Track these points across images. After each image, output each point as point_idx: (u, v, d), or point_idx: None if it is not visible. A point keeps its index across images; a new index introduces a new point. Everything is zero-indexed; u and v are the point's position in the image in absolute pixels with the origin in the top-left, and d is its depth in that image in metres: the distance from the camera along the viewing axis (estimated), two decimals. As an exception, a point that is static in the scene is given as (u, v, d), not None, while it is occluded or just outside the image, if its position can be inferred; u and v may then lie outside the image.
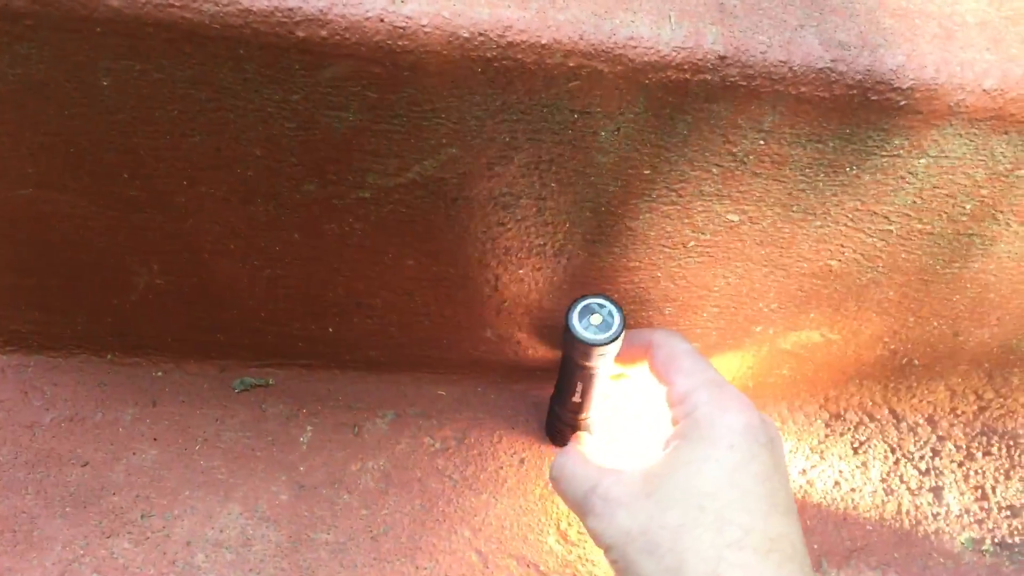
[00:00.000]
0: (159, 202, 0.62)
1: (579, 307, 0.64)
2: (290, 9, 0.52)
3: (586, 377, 0.67)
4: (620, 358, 0.66)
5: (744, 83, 0.56)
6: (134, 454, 0.70)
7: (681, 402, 0.61)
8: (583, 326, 0.63)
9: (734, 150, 0.60)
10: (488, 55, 0.54)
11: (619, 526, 0.58)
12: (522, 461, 0.74)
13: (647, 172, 0.61)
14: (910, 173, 0.62)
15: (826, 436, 0.81)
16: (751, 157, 0.60)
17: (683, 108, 0.57)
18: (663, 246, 0.67)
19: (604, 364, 0.65)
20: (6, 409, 0.71)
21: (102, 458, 0.70)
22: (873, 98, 0.57)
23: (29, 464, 0.68)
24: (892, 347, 0.76)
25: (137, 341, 0.73)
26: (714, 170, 0.61)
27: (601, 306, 0.64)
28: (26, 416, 0.70)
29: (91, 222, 0.63)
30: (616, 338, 0.63)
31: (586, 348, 0.63)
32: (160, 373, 0.74)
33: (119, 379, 0.73)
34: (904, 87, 0.56)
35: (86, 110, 0.56)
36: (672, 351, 0.64)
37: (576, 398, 0.69)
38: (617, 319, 0.64)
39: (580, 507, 0.61)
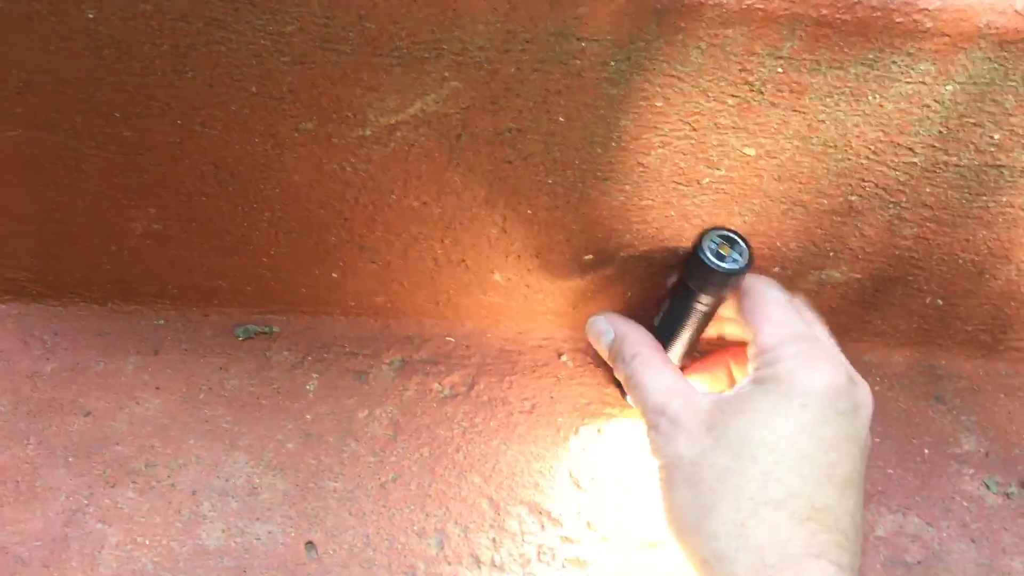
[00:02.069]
0: (152, 142, 0.60)
1: (710, 235, 0.63)
2: (280, -68, 0.49)
3: (697, 317, 0.65)
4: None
5: (761, 5, 0.53)
6: (137, 403, 0.69)
7: (764, 353, 0.59)
8: (713, 254, 0.62)
9: (751, 79, 0.57)
10: (490, -21, 0.51)
11: (675, 450, 0.57)
12: (532, 407, 0.72)
13: (659, 104, 0.59)
14: (936, 101, 0.59)
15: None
16: (768, 86, 0.58)
17: (696, 34, 0.54)
18: (676, 183, 0.64)
19: (721, 301, 0.65)
20: (6, 359, 0.69)
21: (104, 407, 0.68)
22: (898, 20, 0.54)
23: (31, 414, 0.67)
24: (916, 286, 0.74)
25: (137, 288, 0.71)
26: (730, 101, 0.59)
27: (733, 239, 0.63)
28: (26, 365, 0.69)
29: (84, 164, 0.61)
30: (747, 267, 0.62)
31: (719, 278, 0.62)
32: (162, 321, 0.73)
33: (120, 327, 0.72)
34: (931, 8, 0.53)
35: (71, 44, 0.53)
36: (761, 298, 0.62)
37: (680, 345, 0.67)
38: (746, 253, 0.62)
39: (647, 417, 0.61)
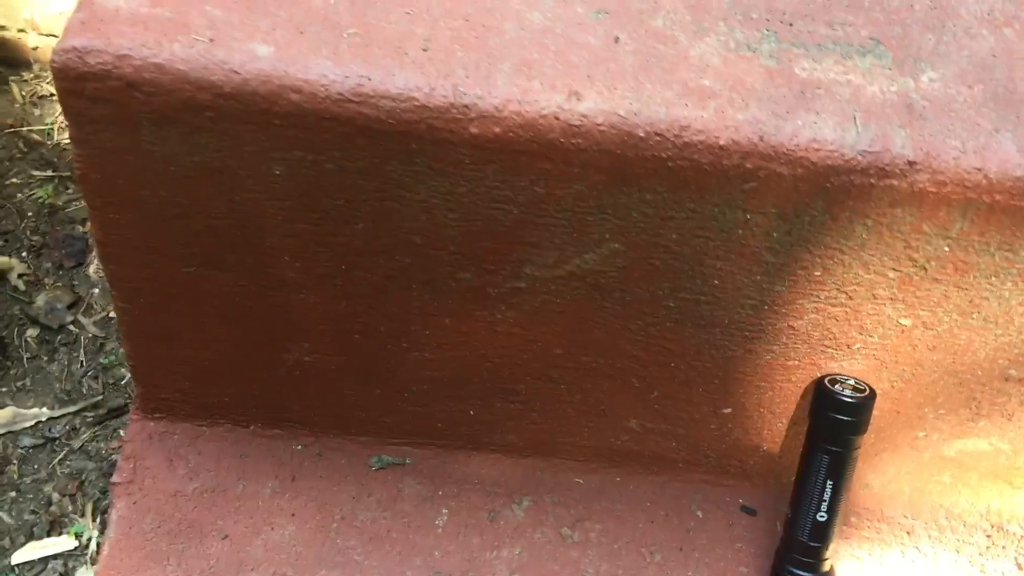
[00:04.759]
0: (317, 284, 0.62)
1: (825, 379, 0.65)
2: (465, 106, 0.51)
3: (839, 468, 0.65)
4: None
5: (934, 189, 0.53)
6: (272, 529, 0.70)
7: None
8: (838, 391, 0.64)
9: (915, 255, 0.57)
10: (663, 155, 0.52)
11: None
12: (662, 560, 0.71)
13: (817, 273, 0.58)
14: (1108, 285, 0.57)
15: (987, 548, 0.76)
16: (933, 263, 0.57)
17: (864, 212, 0.54)
18: (826, 346, 0.64)
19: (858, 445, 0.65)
20: (152, 476, 0.71)
21: (242, 531, 0.69)
22: (1075, 208, 0.53)
23: (172, 534, 0.69)
24: (1068, 461, 0.71)
25: (281, 413, 0.73)
26: (890, 274, 0.58)
27: (845, 378, 0.65)
28: (170, 484, 0.71)
29: (249, 300, 0.64)
30: (873, 398, 0.64)
31: (851, 409, 0.63)
32: (300, 447, 0.74)
33: (260, 451, 0.73)
34: (1111, 198, 0.52)
35: (257, 196, 0.56)
36: None
37: (822, 514, 0.66)
38: (867, 389, 0.64)
39: None
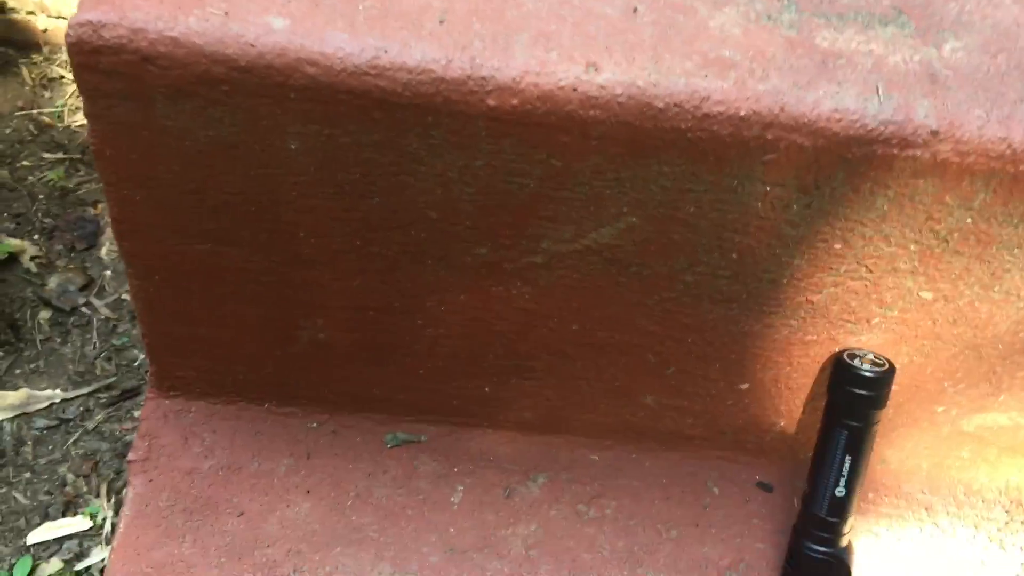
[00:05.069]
0: (331, 260, 0.62)
1: (844, 354, 0.64)
2: (483, 78, 0.51)
3: (858, 442, 0.64)
4: None
5: (957, 159, 0.52)
6: (288, 506, 0.70)
7: None
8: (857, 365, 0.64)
9: (937, 227, 0.56)
10: (682, 126, 0.52)
11: None
12: (679, 536, 0.71)
13: (838, 246, 0.58)
14: None
15: (1006, 524, 0.75)
16: (955, 235, 0.56)
17: (886, 183, 0.54)
18: (845, 320, 0.63)
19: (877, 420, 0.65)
20: (168, 454, 0.71)
21: (257, 509, 0.69)
22: (1101, 178, 0.52)
23: (187, 511, 0.69)
24: (1088, 435, 0.70)
25: (295, 391, 0.73)
26: (912, 246, 0.57)
27: (864, 353, 0.64)
28: (186, 462, 0.71)
29: (263, 277, 0.63)
30: (892, 372, 0.63)
31: (869, 384, 0.63)
32: (315, 424, 0.74)
33: (275, 429, 0.73)
34: None
35: (272, 171, 0.56)
36: None
37: (840, 489, 0.65)
38: (886, 360, 0.64)
39: None
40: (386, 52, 0.50)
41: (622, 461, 0.75)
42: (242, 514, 0.69)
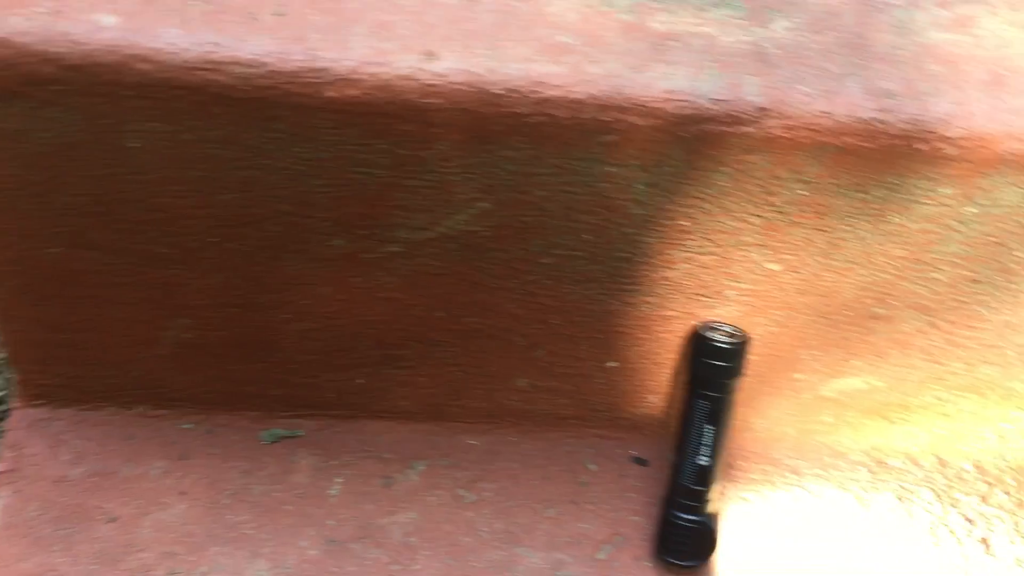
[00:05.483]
0: (188, 258, 0.61)
1: (701, 327, 0.66)
2: (320, 69, 0.51)
3: (717, 412, 0.66)
4: None
5: (785, 134, 0.54)
6: (162, 509, 0.69)
7: None
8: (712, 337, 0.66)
9: (774, 201, 0.58)
10: (520, 111, 0.53)
11: None
12: (557, 515, 0.72)
13: (684, 223, 0.60)
14: (958, 221, 0.60)
15: (870, 484, 0.79)
16: (792, 207, 0.59)
17: (721, 160, 0.56)
18: (700, 295, 0.65)
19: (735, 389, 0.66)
20: (35, 463, 0.70)
21: (130, 513, 0.69)
22: (920, 148, 0.55)
23: (57, 520, 0.68)
24: (939, 394, 0.74)
25: (166, 393, 0.72)
26: (754, 220, 0.60)
27: (721, 325, 0.66)
28: (54, 470, 0.70)
29: (120, 279, 0.62)
30: (746, 343, 0.65)
31: (724, 354, 0.65)
32: (189, 425, 0.73)
33: (148, 432, 0.72)
34: (952, 136, 0.55)
35: (115, 171, 0.55)
36: None
37: (703, 458, 0.67)
38: (741, 332, 0.66)
39: None
40: (219, 46, 0.50)
41: (500, 444, 0.76)
42: (114, 520, 0.68)
